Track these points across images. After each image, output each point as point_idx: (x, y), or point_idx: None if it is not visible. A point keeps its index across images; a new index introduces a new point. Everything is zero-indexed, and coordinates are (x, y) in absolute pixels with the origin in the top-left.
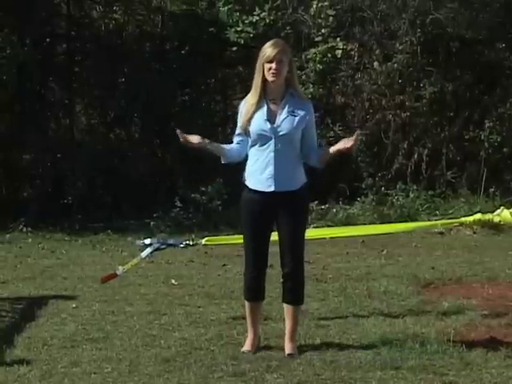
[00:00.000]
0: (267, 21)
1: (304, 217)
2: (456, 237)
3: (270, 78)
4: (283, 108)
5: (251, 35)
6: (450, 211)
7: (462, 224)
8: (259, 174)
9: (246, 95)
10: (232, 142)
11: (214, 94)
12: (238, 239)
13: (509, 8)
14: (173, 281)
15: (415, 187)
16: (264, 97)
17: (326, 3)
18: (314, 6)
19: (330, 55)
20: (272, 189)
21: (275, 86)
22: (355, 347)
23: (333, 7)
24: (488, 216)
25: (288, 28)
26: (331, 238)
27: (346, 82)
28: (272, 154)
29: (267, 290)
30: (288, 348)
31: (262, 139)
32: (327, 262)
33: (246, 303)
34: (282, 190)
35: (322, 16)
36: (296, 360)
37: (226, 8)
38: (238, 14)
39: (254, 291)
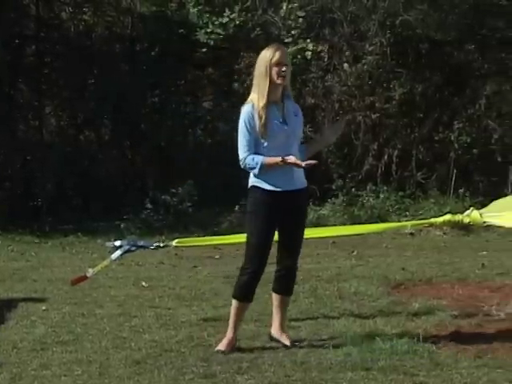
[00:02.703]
0: (237, 22)
1: (307, 213)
2: (426, 238)
3: (279, 80)
4: (287, 109)
5: (221, 36)
6: (420, 212)
7: (431, 225)
8: (282, 175)
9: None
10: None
11: (183, 96)
12: (209, 241)
13: (477, 10)
14: (143, 283)
15: (385, 188)
16: (269, 100)
17: (295, 4)
18: (284, 8)
19: (299, 56)
20: (291, 188)
21: (277, 89)
22: (326, 348)
23: (303, 8)
24: (458, 217)
25: (258, 29)
26: (306, 238)
27: (316, 84)
28: (291, 155)
29: None
30: (286, 338)
31: (278, 141)
32: (299, 263)
33: (237, 303)
34: (299, 188)
35: (292, 17)
36: (267, 361)
37: (196, 9)
38: (207, 15)
39: (250, 291)
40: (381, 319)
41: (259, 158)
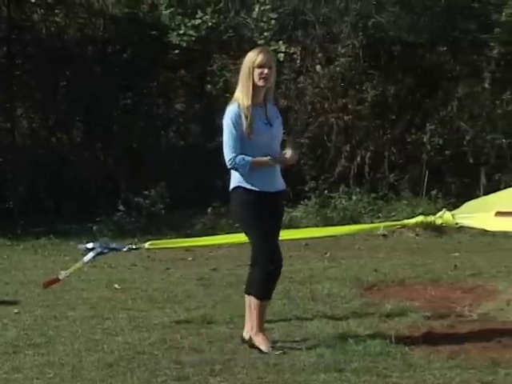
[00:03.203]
0: (209, 24)
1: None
2: (398, 239)
3: (261, 82)
4: (270, 111)
5: (193, 38)
6: (393, 213)
7: (404, 226)
8: (266, 176)
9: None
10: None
11: (156, 98)
12: (181, 243)
13: (449, 12)
14: (116, 285)
15: (358, 190)
16: (253, 101)
17: (268, 6)
18: (257, 10)
19: None
20: (276, 189)
21: (260, 91)
22: (299, 350)
23: (275, 10)
24: (430, 218)
25: (230, 31)
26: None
27: (289, 85)
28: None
29: (210, 294)
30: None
31: (263, 142)
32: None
33: (261, 303)
34: (281, 189)
35: (265, 19)
36: (239, 363)
37: (168, 11)
38: (180, 17)
39: (273, 289)
40: (354, 321)
41: (248, 158)
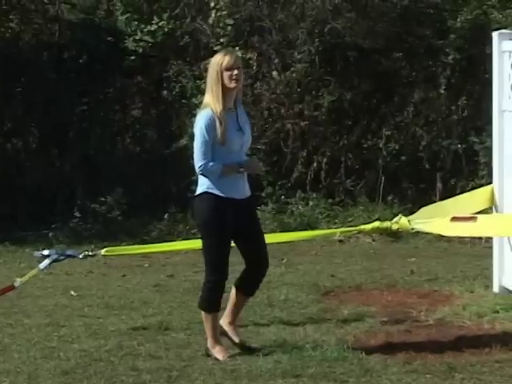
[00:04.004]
0: (166, 30)
1: None
2: (355, 244)
3: (232, 84)
4: (240, 116)
5: (149, 44)
6: (350, 219)
7: (360, 232)
8: (234, 183)
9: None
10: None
11: (112, 104)
12: (138, 249)
13: (405, 18)
14: (72, 292)
15: (315, 195)
16: (225, 106)
17: (224, 12)
18: (213, 15)
19: None
20: (244, 195)
21: (231, 94)
22: (256, 356)
23: (231, 16)
24: (386, 224)
25: (187, 37)
26: (231, 247)
27: (245, 91)
28: (243, 163)
29: (167, 300)
30: (236, 335)
31: (234, 148)
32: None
33: (209, 315)
34: (248, 195)
35: (221, 25)
36: (197, 370)
37: (125, 17)
38: (136, 22)
39: (219, 302)
40: (310, 326)
41: (218, 165)
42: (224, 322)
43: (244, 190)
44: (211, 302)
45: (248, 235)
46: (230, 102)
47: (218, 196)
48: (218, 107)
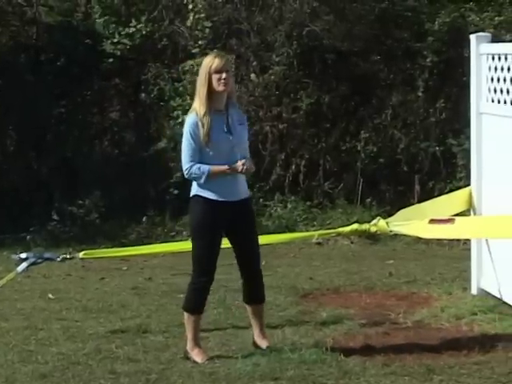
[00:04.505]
0: (144, 32)
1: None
2: (334, 247)
3: (220, 88)
4: (232, 118)
5: (128, 47)
6: (328, 221)
7: (339, 234)
8: (226, 185)
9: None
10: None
11: (90, 106)
12: (116, 252)
13: (383, 21)
14: (50, 295)
15: (293, 198)
16: (211, 108)
17: (202, 15)
18: (191, 18)
19: None
20: (237, 198)
21: (221, 97)
22: (235, 359)
23: (209, 19)
24: (365, 226)
25: (165, 40)
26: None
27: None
28: (237, 162)
29: (145, 303)
30: (266, 342)
31: (223, 150)
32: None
33: (191, 316)
34: (243, 198)
35: (199, 28)
36: (175, 373)
37: (102, 19)
38: (114, 25)
39: (202, 304)
40: (289, 329)
41: (205, 167)
42: (255, 336)
43: (238, 192)
44: (195, 303)
45: (238, 239)
46: (220, 105)
47: (207, 199)
48: (202, 110)
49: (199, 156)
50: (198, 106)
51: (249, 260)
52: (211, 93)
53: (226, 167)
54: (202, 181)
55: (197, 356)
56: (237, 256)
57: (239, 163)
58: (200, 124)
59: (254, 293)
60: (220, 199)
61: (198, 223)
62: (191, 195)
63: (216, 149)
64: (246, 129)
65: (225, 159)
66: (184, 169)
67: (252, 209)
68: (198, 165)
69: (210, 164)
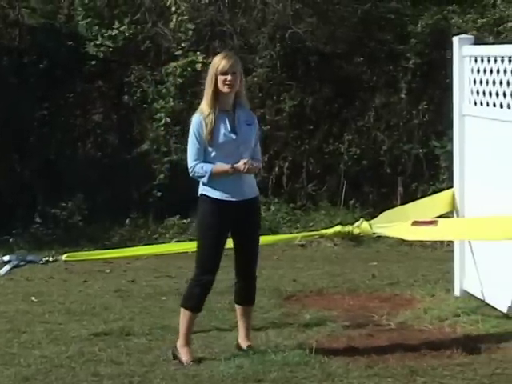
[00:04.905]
0: (127, 34)
1: (260, 222)
2: (317, 249)
3: (225, 89)
4: (239, 118)
5: (111, 49)
6: (311, 224)
7: (322, 236)
8: (230, 184)
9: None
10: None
11: (73, 109)
12: (99, 255)
13: (366, 23)
14: (33, 298)
15: (276, 200)
16: (216, 108)
17: (185, 17)
18: (174, 20)
19: (190, 69)
20: (242, 197)
21: (227, 98)
22: (218, 361)
23: (192, 21)
24: (348, 228)
25: (148, 42)
26: (193, 251)
27: None
28: (240, 161)
29: (128, 306)
30: (249, 347)
31: (227, 150)
32: (189, 275)
33: (188, 313)
34: (248, 198)
35: (182, 30)
36: (158, 375)
37: (85, 22)
38: (97, 27)
39: (202, 302)
40: (272, 331)
41: (208, 166)
42: (240, 338)
43: (243, 192)
44: (194, 301)
45: (238, 239)
46: (227, 105)
47: (212, 198)
48: (207, 110)
49: (204, 155)
50: (205, 105)
51: (248, 261)
52: (217, 93)
53: (228, 166)
54: (205, 180)
55: (184, 355)
56: (236, 255)
57: (241, 162)
58: (204, 123)
59: (246, 294)
60: (224, 198)
61: (203, 222)
62: (198, 194)
63: (220, 148)
64: (255, 129)
65: (229, 159)
66: (189, 167)
67: (258, 210)
68: (202, 164)
69: (214, 163)
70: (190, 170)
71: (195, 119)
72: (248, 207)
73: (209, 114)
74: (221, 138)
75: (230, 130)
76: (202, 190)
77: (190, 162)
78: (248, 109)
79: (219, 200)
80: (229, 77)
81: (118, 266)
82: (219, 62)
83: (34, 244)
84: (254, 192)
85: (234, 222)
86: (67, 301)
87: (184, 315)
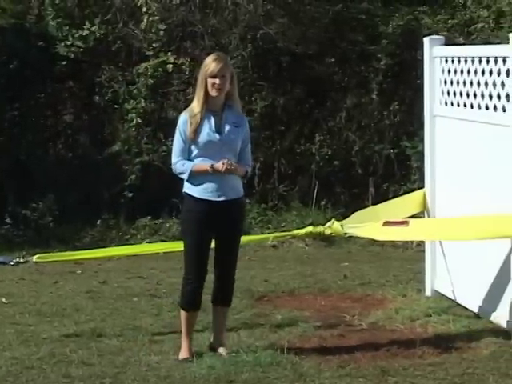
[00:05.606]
0: (97, 35)
1: (243, 223)
2: (288, 249)
3: (213, 93)
4: (226, 119)
5: (81, 49)
6: (283, 224)
7: (294, 237)
8: (209, 184)
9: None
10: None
11: (43, 109)
12: (70, 256)
13: (337, 23)
14: (3, 299)
15: (248, 201)
16: (206, 108)
17: (156, 17)
18: (145, 21)
19: (161, 70)
20: (222, 198)
21: (217, 99)
22: (189, 362)
23: (163, 21)
24: (319, 228)
25: (119, 42)
26: (165, 252)
27: (178, 97)
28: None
29: (99, 307)
30: (223, 349)
31: (210, 150)
32: (161, 276)
33: (185, 313)
34: (229, 199)
35: (153, 30)
36: (130, 376)
37: (56, 22)
38: (67, 27)
39: (196, 299)
40: (244, 331)
41: (189, 164)
42: (212, 338)
43: (224, 192)
44: (185, 298)
45: (219, 239)
46: (216, 106)
47: (193, 197)
48: (196, 109)
49: (188, 153)
50: (195, 105)
51: (224, 261)
52: (207, 95)
53: (207, 166)
54: (185, 177)
55: (182, 351)
56: (216, 254)
57: (220, 162)
58: (189, 122)
59: (222, 294)
60: (204, 197)
61: (185, 220)
62: (183, 193)
63: (203, 147)
64: (243, 131)
65: (212, 158)
66: (171, 163)
67: (240, 211)
68: (183, 161)
69: (195, 159)
70: (172, 165)
71: (182, 117)
72: (229, 208)
73: (196, 113)
74: (204, 137)
75: (214, 129)
76: (185, 188)
77: (173, 158)
78: (239, 111)
79: (200, 199)
80: (217, 80)
81: (89, 267)
82: (209, 65)
83: (4, 245)
84: (236, 193)
85: (215, 222)
86: (38, 302)
87: (181, 314)
